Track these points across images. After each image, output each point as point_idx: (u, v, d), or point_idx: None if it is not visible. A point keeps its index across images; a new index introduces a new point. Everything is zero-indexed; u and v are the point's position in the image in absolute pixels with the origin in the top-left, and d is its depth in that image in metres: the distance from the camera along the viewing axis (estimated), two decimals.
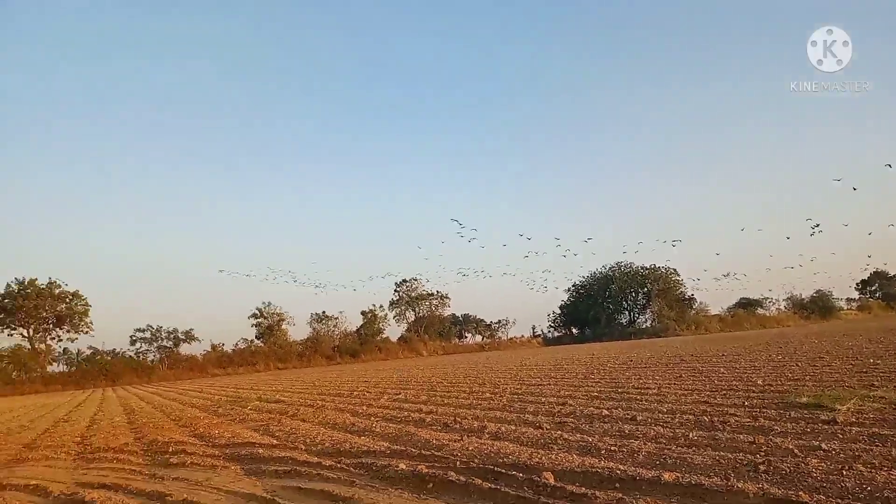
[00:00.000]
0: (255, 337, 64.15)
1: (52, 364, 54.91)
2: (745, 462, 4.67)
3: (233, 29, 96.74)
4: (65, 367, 54.92)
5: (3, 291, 53.87)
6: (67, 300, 56.37)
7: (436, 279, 74.33)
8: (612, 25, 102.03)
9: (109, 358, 54.35)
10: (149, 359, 57.17)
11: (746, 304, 74.21)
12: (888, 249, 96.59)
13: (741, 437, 5.66)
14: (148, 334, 58.71)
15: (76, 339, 56.64)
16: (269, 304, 65.97)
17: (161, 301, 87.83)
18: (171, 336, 59.47)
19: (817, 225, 41.09)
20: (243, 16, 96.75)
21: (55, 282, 55.73)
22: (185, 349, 59.56)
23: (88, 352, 55.45)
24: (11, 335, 54.19)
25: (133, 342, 57.98)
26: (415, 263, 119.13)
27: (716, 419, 6.77)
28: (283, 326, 65.99)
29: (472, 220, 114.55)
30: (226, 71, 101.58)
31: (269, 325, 65.07)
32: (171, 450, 8.00)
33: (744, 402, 8.00)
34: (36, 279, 54.94)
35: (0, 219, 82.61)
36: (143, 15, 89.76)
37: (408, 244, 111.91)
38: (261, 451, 7.21)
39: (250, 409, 13.11)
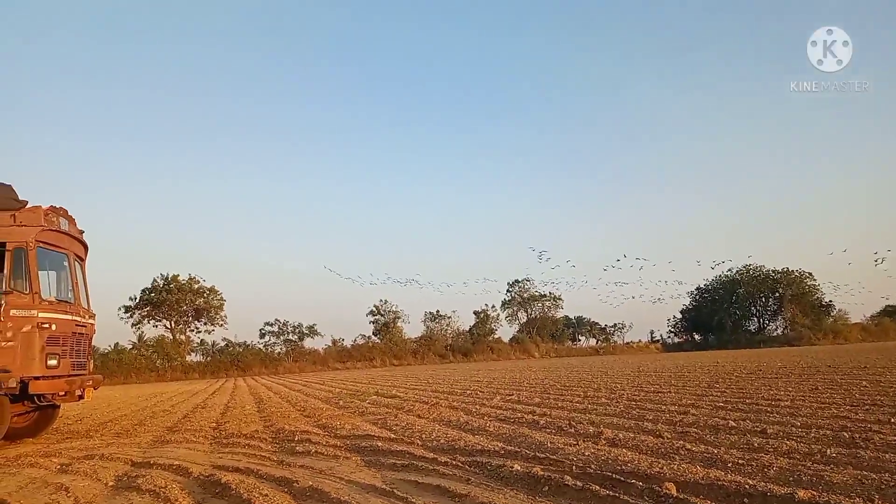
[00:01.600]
0: (373, 333, 66.63)
1: (190, 354, 59.60)
2: (892, 483, 4.26)
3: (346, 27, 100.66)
4: (201, 357, 59.55)
5: (150, 286, 59.32)
6: (205, 295, 60.89)
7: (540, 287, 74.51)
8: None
9: (241, 350, 58.13)
10: (276, 351, 60.69)
11: (893, 312, 67.07)
12: None
13: (887, 456, 5.18)
14: (276, 328, 62.49)
15: (212, 331, 61.20)
16: (386, 301, 68.27)
17: (287, 297, 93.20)
18: (297, 330, 62.94)
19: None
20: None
21: (195, 278, 60.46)
22: (308, 343, 62.95)
23: (222, 343, 59.78)
24: (156, 326, 59.54)
25: (262, 335, 61.91)
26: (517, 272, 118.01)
27: (857, 436, 6.24)
28: (399, 324, 68.11)
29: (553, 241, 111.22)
30: (340, 71, 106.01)
31: (385, 323, 67.23)
32: (297, 438, 8.42)
33: (890, 419, 7.30)
34: (178, 275, 59.94)
35: (148, 220, 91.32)
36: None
37: (514, 251, 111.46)
38: (379, 443, 7.45)
39: (368, 403, 13.59)
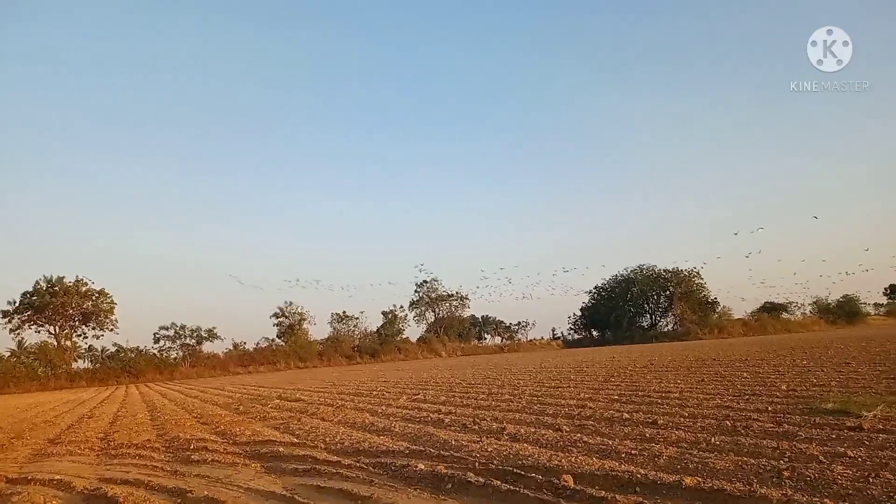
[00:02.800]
0: (277, 336, 64.67)
1: (77, 361, 55.71)
2: (768, 468, 4.60)
3: (262, 37, 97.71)
4: (89, 364, 55.63)
5: (31, 289, 54.91)
6: (94, 298, 57.24)
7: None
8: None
9: (133, 355, 54.84)
10: (172, 357, 57.65)
11: (771, 309, 72.67)
12: None
13: (764, 442, 5.58)
14: (172, 332, 59.34)
15: (101, 336, 57.65)
16: (291, 303, 66.62)
17: (186, 300, 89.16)
18: (195, 334, 60.05)
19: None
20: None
21: (82, 280, 56.68)
22: (207, 347, 60.20)
23: (113, 349, 56.25)
24: (39, 332, 55.29)
25: (157, 340, 58.64)
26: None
27: (738, 424, 6.69)
28: (304, 326, 66.51)
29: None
30: (257, 79, 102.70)
31: (290, 325, 65.54)
32: (192, 447, 8.07)
33: (767, 408, 7.88)
34: (64, 277, 55.90)
35: (30, 218, 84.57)
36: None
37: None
38: (281, 449, 7.26)
39: (271, 408, 13.20)
